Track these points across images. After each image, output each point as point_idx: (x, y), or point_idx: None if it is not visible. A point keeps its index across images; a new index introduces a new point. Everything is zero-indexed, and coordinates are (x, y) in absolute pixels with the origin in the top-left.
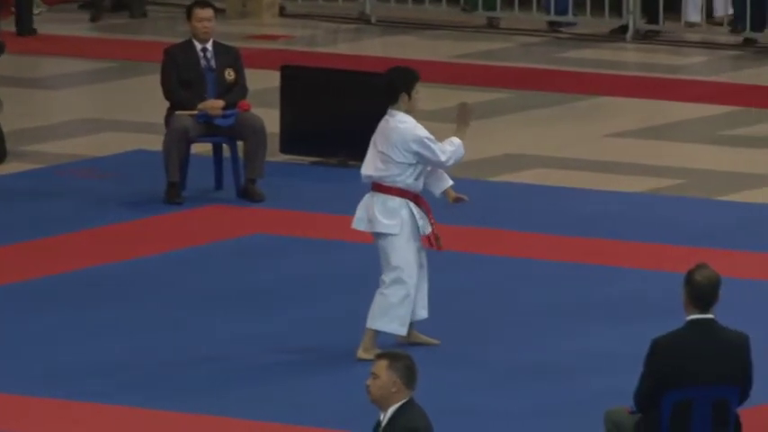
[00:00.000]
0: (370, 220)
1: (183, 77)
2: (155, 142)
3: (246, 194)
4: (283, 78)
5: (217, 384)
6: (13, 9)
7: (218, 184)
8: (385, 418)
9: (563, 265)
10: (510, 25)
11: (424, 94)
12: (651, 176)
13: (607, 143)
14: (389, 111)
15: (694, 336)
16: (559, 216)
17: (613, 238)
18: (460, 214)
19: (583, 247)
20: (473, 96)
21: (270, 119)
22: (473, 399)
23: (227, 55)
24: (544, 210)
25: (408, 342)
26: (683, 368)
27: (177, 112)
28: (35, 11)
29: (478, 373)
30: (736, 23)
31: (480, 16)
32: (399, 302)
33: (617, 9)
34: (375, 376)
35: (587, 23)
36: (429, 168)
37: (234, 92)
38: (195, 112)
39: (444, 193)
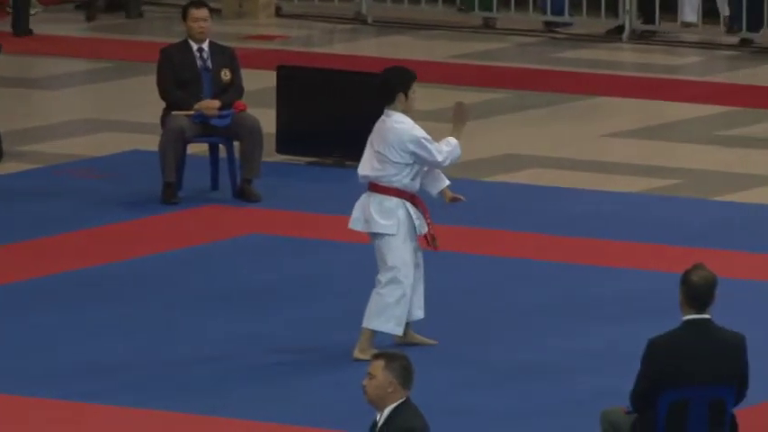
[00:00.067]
0: (367, 221)
1: (179, 78)
2: (151, 142)
3: (243, 195)
4: (279, 78)
5: (214, 384)
6: (9, 9)
7: (215, 185)
8: (381, 418)
9: (560, 266)
10: (506, 25)
11: (420, 94)
12: (647, 176)
13: (603, 143)
14: (386, 111)
15: (690, 336)
16: (556, 216)
17: (609, 238)
18: (457, 214)
19: (579, 247)
20: (469, 96)
21: (266, 119)
22: (470, 399)
23: (223, 55)
24: (540, 210)
25: (405, 342)
26: (680, 368)
27: (173, 113)
28: (31, 11)
29: (475, 373)
30: (732, 24)
31: (476, 16)
32: (395, 302)
33: (613, 9)
34: (371, 376)
35: (583, 24)
36: (426, 168)
37: (230, 92)
38: (191, 112)
39: (441, 193)
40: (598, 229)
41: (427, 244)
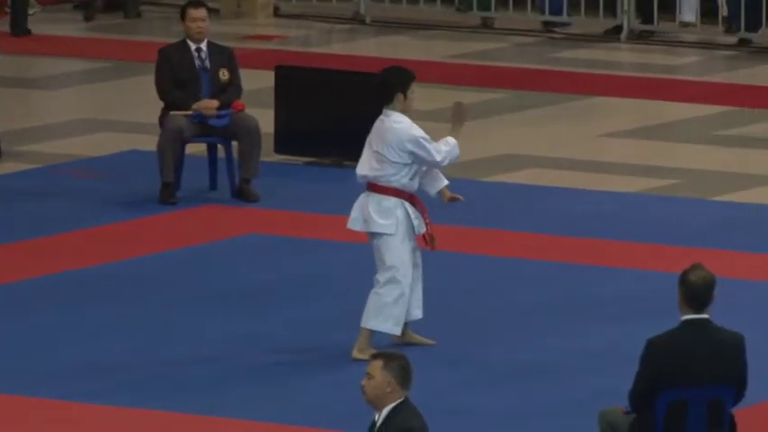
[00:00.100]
0: (366, 221)
1: (177, 78)
2: (149, 142)
3: (241, 194)
4: (278, 78)
5: (212, 384)
6: (7, 9)
7: (213, 185)
8: (380, 418)
9: (559, 266)
10: (504, 25)
11: (418, 94)
12: (645, 176)
13: (601, 143)
14: (385, 111)
15: (689, 336)
16: (554, 216)
17: (607, 238)
18: (455, 214)
19: (577, 248)
20: (468, 96)
21: (264, 119)
22: (470, 399)
23: (221, 55)
24: (539, 210)
25: (403, 342)
26: (678, 368)
27: (172, 113)
28: (29, 11)
29: (475, 373)
30: (730, 23)
31: (475, 16)
32: (394, 302)
33: (611, 9)
34: (370, 376)
35: (582, 23)
36: (424, 168)
37: (228, 92)
38: (190, 112)
39: (440, 192)
40: (597, 229)
41: (426, 244)
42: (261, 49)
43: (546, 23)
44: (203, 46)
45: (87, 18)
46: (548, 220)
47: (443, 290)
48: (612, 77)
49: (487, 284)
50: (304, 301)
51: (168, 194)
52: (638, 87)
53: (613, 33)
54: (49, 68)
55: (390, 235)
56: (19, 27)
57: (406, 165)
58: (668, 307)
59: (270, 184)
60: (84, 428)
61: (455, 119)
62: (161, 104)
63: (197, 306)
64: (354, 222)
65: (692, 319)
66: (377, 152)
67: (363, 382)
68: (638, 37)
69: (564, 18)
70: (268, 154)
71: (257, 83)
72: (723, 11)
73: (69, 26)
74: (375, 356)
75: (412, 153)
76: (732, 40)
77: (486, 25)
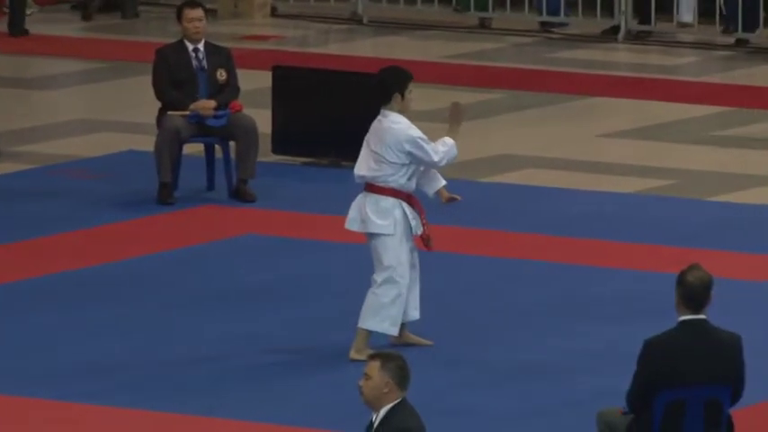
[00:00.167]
0: (363, 221)
1: (174, 78)
2: (147, 143)
3: (238, 195)
4: (275, 79)
5: (211, 384)
6: (6, 9)
7: (210, 185)
8: (377, 418)
9: (555, 266)
10: (502, 26)
11: (415, 94)
12: (643, 177)
13: (599, 143)
14: (382, 111)
15: (686, 336)
16: (551, 216)
17: (605, 238)
18: (453, 215)
19: (574, 248)
20: (465, 97)
21: (262, 119)
22: (469, 399)
23: (218, 55)
24: (536, 210)
25: (401, 343)
26: (676, 368)
27: (169, 113)
28: (27, 11)
29: (474, 373)
30: (728, 24)
31: (472, 17)
32: (391, 302)
33: (609, 9)
34: (367, 377)
35: (579, 24)
36: (422, 168)
37: (226, 92)
38: (187, 112)
39: (437, 193)
40: (594, 229)
41: (423, 245)
42: (258, 49)
43: (543, 24)
44: (200, 46)
45: (85, 18)
46: (545, 220)
47: (442, 290)
48: (610, 78)
49: (486, 285)
50: (302, 302)
51: (166, 195)
52: (636, 88)
53: (611, 34)
54: (46, 69)
55: (388, 235)
56: (17, 27)
57: (403, 165)
58: (667, 307)
59: (267, 184)
60: (83, 428)
61: (452, 119)
62: (158, 105)
63: (195, 306)
64: (352, 223)
65: (690, 320)
66: (375, 152)
67: (361, 382)
68: (636, 37)
69: (561, 18)
70: (265, 154)
71: (254, 83)
72: (724, 9)
73: (67, 26)
74: (372, 357)
75: (410, 153)
76: (729, 40)
77: (484, 25)
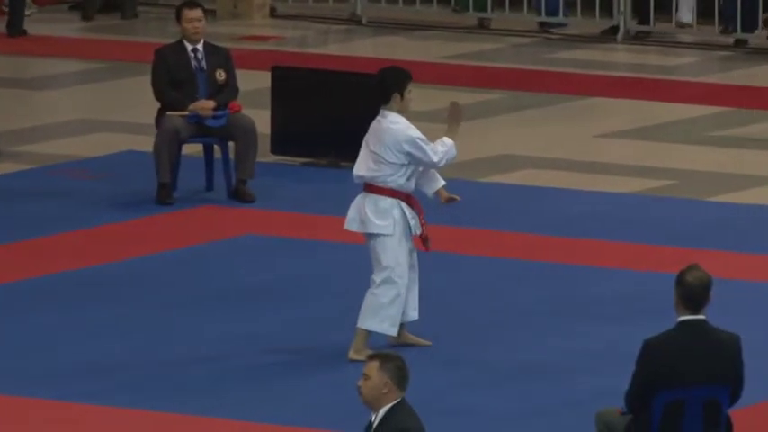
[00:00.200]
0: (363, 221)
1: (173, 78)
2: (146, 143)
3: (237, 195)
4: (274, 79)
5: (210, 385)
6: (5, 7)
7: (209, 185)
8: (376, 418)
9: (555, 266)
10: (501, 26)
11: (415, 94)
12: (642, 177)
13: (598, 144)
14: (382, 111)
15: (685, 336)
16: (550, 217)
17: (603, 238)
18: (451, 215)
19: (574, 248)
20: (464, 97)
21: (261, 120)
22: (469, 399)
23: (217, 55)
24: (535, 210)
25: (400, 343)
26: (674, 369)
27: (168, 113)
28: (26, 11)
29: (474, 373)
30: (726, 25)
31: (471, 17)
32: (390, 302)
33: (608, 10)
34: (366, 377)
35: (578, 24)
36: (421, 169)
37: (225, 92)
38: (186, 112)
39: (437, 193)
40: (593, 229)
41: (421, 245)
42: (257, 49)
43: (542, 24)
44: (200, 47)
45: (86, 18)
46: (544, 220)
47: (442, 290)
48: (609, 78)
49: (486, 285)
50: (302, 302)
51: (165, 195)
52: (635, 88)
53: (610, 34)
54: (45, 69)
55: (387, 235)
56: (15, 28)
57: (402, 165)
58: (666, 307)
59: (266, 184)
60: (83, 428)
61: (451, 119)
62: (157, 105)
63: (195, 306)
64: (351, 223)
65: (689, 320)
66: (374, 153)
67: (360, 382)
68: (635, 38)
69: (560, 19)
70: (264, 155)
71: (254, 83)
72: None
73: (65, 27)
74: (371, 357)
75: (409, 154)
76: (728, 41)
77: (483, 26)
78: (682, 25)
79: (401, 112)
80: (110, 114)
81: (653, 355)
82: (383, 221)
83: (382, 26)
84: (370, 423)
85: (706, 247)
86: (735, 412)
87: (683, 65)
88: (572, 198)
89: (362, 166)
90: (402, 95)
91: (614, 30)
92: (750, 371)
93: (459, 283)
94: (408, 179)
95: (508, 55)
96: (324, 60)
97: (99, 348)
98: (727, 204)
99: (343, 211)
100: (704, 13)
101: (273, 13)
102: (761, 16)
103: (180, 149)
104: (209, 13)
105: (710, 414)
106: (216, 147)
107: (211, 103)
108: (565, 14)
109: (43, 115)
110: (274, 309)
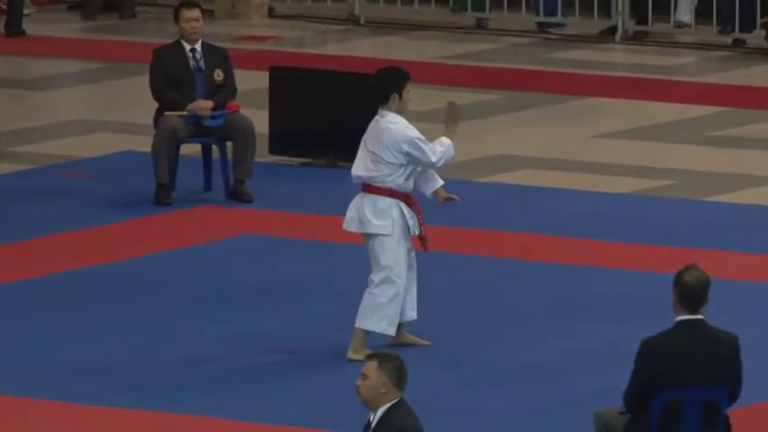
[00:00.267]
0: (361, 221)
1: (172, 78)
2: (144, 143)
3: (235, 195)
4: (272, 79)
5: (210, 385)
6: (3, 6)
7: (208, 185)
8: (375, 418)
9: (555, 266)
10: (499, 26)
11: (413, 95)
12: (640, 177)
13: (596, 144)
14: (380, 111)
15: (684, 336)
16: (548, 217)
17: (602, 238)
18: (450, 215)
19: (573, 248)
20: (462, 97)
21: (259, 120)
22: (469, 399)
23: (215, 55)
24: (534, 210)
25: (398, 343)
26: (673, 369)
27: (166, 113)
28: (25, 11)
29: (474, 373)
30: (724, 25)
31: (469, 17)
32: (388, 302)
33: (606, 10)
34: (365, 377)
35: (576, 24)
36: (419, 169)
37: (223, 92)
38: (184, 112)
39: (435, 193)
40: (592, 229)
41: (420, 245)
42: (255, 49)
43: (540, 24)
44: (198, 47)
45: (88, 17)
46: (542, 220)
47: (441, 290)
48: (607, 78)
49: (485, 285)
50: (302, 302)
51: (163, 195)
52: (633, 88)
53: (608, 34)
54: (44, 69)
55: (386, 235)
56: (13, 28)
57: (401, 165)
58: (666, 307)
59: (264, 184)
60: (83, 428)
61: (449, 119)
62: (155, 105)
63: (195, 306)
64: (350, 223)
65: (687, 320)
66: (372, 153)
67: (358, 382)
68: (633, 38)
69: (558, 19)
70: (263, 155)
71: (252, 83)
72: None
73: (63, 27)
74: (370, 357)
75: (407, 154)
76: (726, 40)
77: (481, 26)
78: (680, 25)
79: (399, 112)
80: (108, 114)
81: (651, 354)
82: (382, 221)
83: (380, 26)
84: (369, 423)
85: (704, 247)
86: (734, 412)
87: (682, 65)
88: (571, 198)
89: (361, 166)
90: (400, 95)
91: (612, 30)
92: (749, 371)
93: (457, 283)
94: (407, 179)
95: (506, 55)
96: (322, 60)
97: (99, 348)
98: (726, 204)
99: (342, 211)
100: (702, 13)
101: (271, 13)
102: (759, 20)
103: (178, 149)
104: (208, 13)
105: (709, 414)
106: (214, 147)
107: (210, 103)
108: (563, 14)
109: (42, 115)
110: (274, 309)
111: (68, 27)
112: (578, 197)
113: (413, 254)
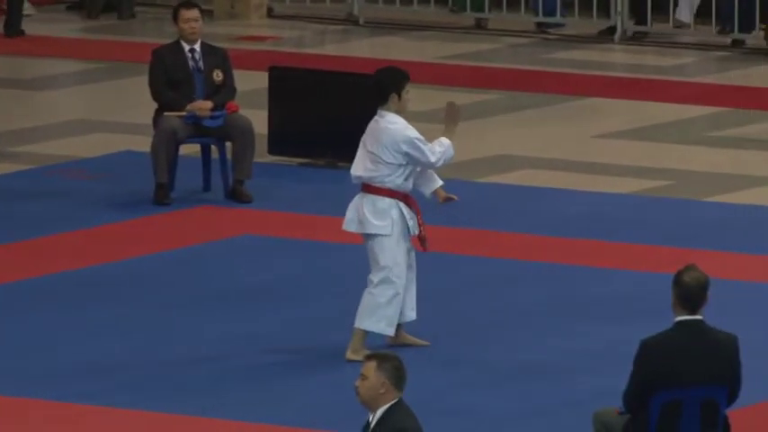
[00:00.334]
0: (361, 221)
1: (171, 78)
2: (143, 143)
3: (234, 195)
4: (271, 79)
5: (210, 385)
6: (4, 7)
7: (207, 186)
8: (374, 419)
9: (555, 266)
10: (498, 26)
11: (412, 95)
12: (639, 177)
13: (595, 144)
14: (379, 111)
15: (683, 337)
16: (547, 217)
17: (601, 239)
18: (449, 215)
19: (573, 248)
20: (461, 97)
21: (258, 120)
22: (469, 399)
23: (214, 56)
24: (532, 210)
25: (397, 343)
26: (672, 369)
27: (165, 113)
28: (24, 12)
29: (474, 373)
30: (724, 25)
31: (468, 17)
32: (387, 302)
33: (605, 10)
34: (364, 377)
35: (575, 24)
36: (419, 169)
37: (222, 93)
38: (183, 113)
39: (434, 193)
40: (592, 229)
41: (419, 245)
42: (254, 50)
43: (539, 24)
44: (197, 47)
45: (90, 16)
46: (542, 220)
47: (441, 290)
48: (606, 78)
49: (485, 285)
50: (302, 302)
51: (162, 195)
52: (632, 88)
53: (607, 34)
54: (43, 69)
55: (385, 236)
56: (12, 28)
57: (400, 165)
58: (665, 308)
59: (263, 185)
60: (83, 428)
61: (448, 119)
62: (155, 105)
63: (195, 306)
64: (349, 224)
65: (686, 320)
66: (371, 153)
67: (357, 382)
68: (632, 38)
69: (557, 19)
70: (262, 155)
71: (251, 84)
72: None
73: (62, 27)
74: (369, 357)
75: (407, 154)
76: (725, 41)
77: (480, 26)
78: (679, 25)
79: (399, 112)
80: (108, 115)
81: (650, 355)
82: (381, 222)
83: (379, 26)
84: (368, 423)
85: (703, 248)
86: (733, 412)
87: (681, 65)
88: (570, 198)
89: (360, 167)
90: (399, 96)
91: (612, 30)
92: (748, 371)
93: (457, 283)
94: (406, 179)
95: (505, 55)
96: (321, 61)
97: (99, 348)
98: (725, 205)
99: (341, 212)
100: (701, 13)
101: (270, 13)
102: (758, 24)
103: (177, 150)
104: (207, 14)
105: (708, 414)
106: (213, 147)
107: (209, 104)
108: (562, 15)
109: (42, 115)
110: (274, 309)
111: (67, 27)
112: (578, 197)
113: (412, 254)
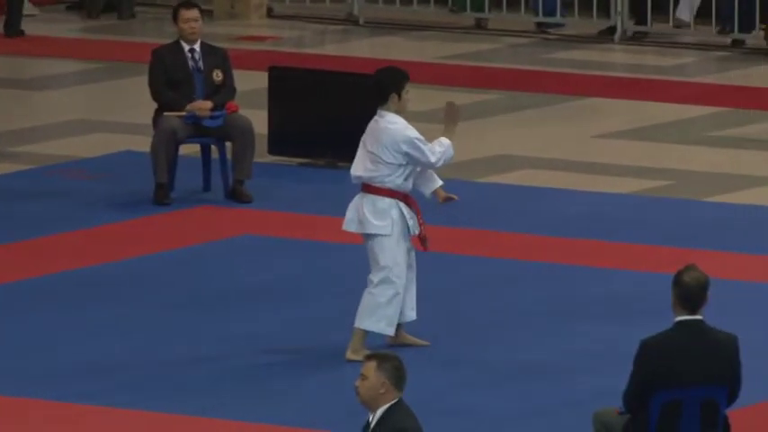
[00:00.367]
0: (361, 221)
1: (171, 78)
2: (143, 143)
3: (234, 195)
4: (271, 79)
5: (210, 385)
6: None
7: (207, 186)
8: (374, 419)
9: (555, 266)
10: (498, 26)
11: (412, 95)
12: (639, 177)
13: (595, 144)
14: (379, 111)
15: (683, 337)
16: (547, 217)
17: (601, 239)
18: (449, 215)
19: (570, 249)
20: (461, 97)
21: (258, 120)
22: (469, 399)
23: (214, 56)
24: (532, 210)
25: (397, 343)
26: (672, 369)
27: (165, 113)
28: (25, 12)
29: (474, 373)
30: (724, 25)
31: (468, 17)
32: (387, 302)
33: (605, 10)
34: (364, 377)
35: (575, 24)
36: (419, 169)
37: (222, 93)
38: (183, 113)
39: (434, 193)
40: (590, 230)
41: (419, 245)
42: (254, 50)
43: (539, 24)
44: (197, 47)
45: (90, 17)
46: (541, 220)
47: (441, 290)
48: (606, 78)
49: (484, 285)
50: (301, 302)
51: (162, 195)
52: (632, 88)
53: (607, 34)
54: (43, 69)
55: (385, 236)
56: (12, 28)
57: (400, 165)
58: (665, 308)
59: (263, 185)
60: (83, 428)
61: (448, 119)
62: (155, 105)
63: (195, 306)
64: (349, 224)
65: (686, 320)
66: (371, 153)
67: (357, 382)
68: (632, 38)
69: (557, 19)
70: (261, 155)
71: (251, 84)
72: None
73: (62, 27)
74: (369, 357)
75: (406, 154)
76: (725, 41)
77: (480, 26)
78: (679, 24)
79: (398, 112)
80: (107, 115)
81: (650, 354)
82: (381, 222)
83: (379, 26)
84: (368, 423)
85: (703, 248)
86: (733, 412)
87: (681, 65)
88: (569, 198)
89: (360, 167)
90: (399, 96)
91: (612, 30)
92: (748, 371)
93: (457, 283)
94: (406, 179)
95: (505, 55)
96: (321, 61)
97: (99, 348)
98: (725, 205)
99: (341, 212)
100: (701, 13)
101: (270, 13)
102: (758, 24)
103: (177, 150)
104: (206, 14)
105: (708, 414)
106: (213, 147)
107: (208, 104)
108: (562, 15)
109: (41, 115)
110: (274, 309)
111: (67, 27)
112: (577, 197)
113: (412, 254)
